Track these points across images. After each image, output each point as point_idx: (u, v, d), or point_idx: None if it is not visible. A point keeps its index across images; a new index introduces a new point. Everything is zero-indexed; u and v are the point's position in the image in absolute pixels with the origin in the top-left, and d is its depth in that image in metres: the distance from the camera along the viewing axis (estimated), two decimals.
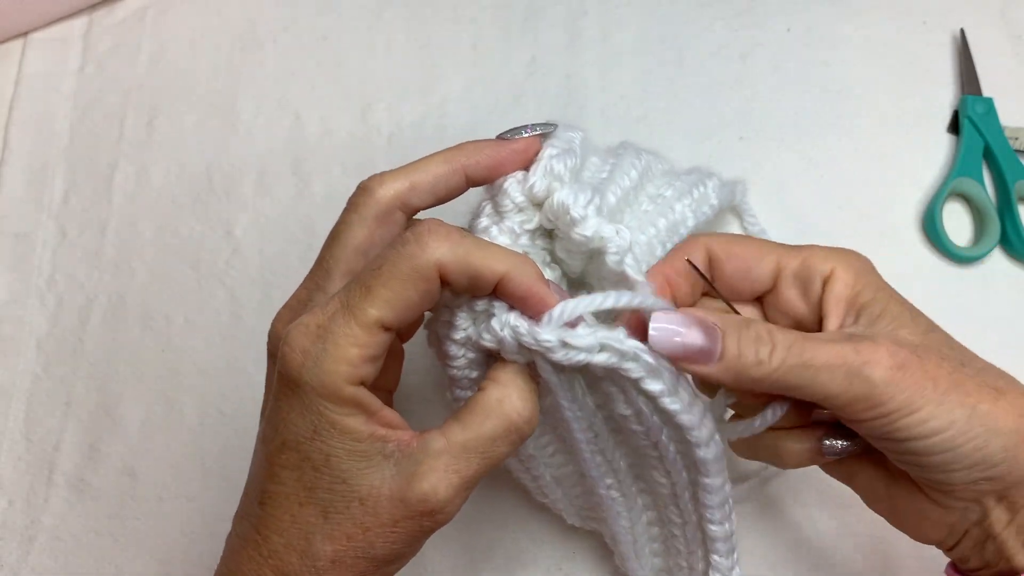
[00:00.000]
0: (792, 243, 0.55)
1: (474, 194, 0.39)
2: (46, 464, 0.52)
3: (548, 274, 0.37)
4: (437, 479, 0.31)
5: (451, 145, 0.37)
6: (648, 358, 0.33)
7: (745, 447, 0.39)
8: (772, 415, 0.36)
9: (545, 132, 0.38)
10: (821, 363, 0.33)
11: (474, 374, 0.36)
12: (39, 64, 0.63)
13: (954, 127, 0.58)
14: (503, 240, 0.35)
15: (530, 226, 0.36)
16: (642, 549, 0.44)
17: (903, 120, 0.59)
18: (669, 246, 0.40)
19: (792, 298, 0.37)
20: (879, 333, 0.34)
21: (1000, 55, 0.60)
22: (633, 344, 0.33)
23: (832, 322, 0.35)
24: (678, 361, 0.34)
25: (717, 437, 0.36)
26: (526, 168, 0.37)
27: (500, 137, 0.38)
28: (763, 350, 0.33)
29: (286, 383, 0.31)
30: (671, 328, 0.33)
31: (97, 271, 0.57)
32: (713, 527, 0.39)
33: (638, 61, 0.61)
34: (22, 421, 0.53)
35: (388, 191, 0.35)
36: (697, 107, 0.60)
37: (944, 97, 0.59)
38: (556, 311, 0.32)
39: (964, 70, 0.59)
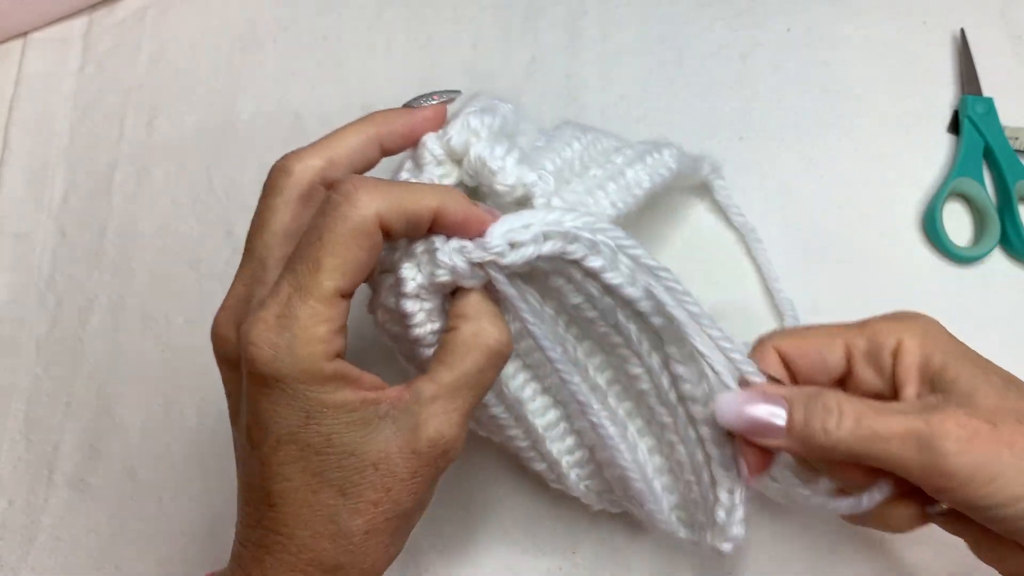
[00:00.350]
0: (792, 244, 0.56)
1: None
2: (46, 464, 0.52)
3: None
4: (440, 422, 0.32)
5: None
6: (587, 235, 0.33)
7: (853, 519, 0.39)
8: (879, 493, 0.36)
9: (450, 99, 0.39)
10: (891, 433, 0.33)
11: (436, 325, 0.36)
12: (39, 64, 0.63)
13: (954, 127, 0.58)
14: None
15: (450, 180, 0.36)
16: (652, 482, 0.42)
17: (903, 120, 0.59)
18: (622, 207, 0.40)
19: (868, 378, 0.37)
20: (951, 402, 0.34)
21: (1000, 55, 0.60)
22: (571, 223, 0.33)
23: (908, 393, 0.35)
24: (748, 435, 0.35)
25: (667, 307, 0.35)
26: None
27: (407, 105, 0.39)
28: (831, 420, 0.33)
29: (262, 381, 0.31)
30: (736, 402, 0.35)
31: (97, 271, 0.57)
32: (697, 407, 0.38)
33: (638, 61, 0.61)
34: (22, 421, 0.53)
35: (307, 169, 0.35)
36: (697, 107, 0.60)
37: (944, 97, 0.59)
38: (497, 226, 0.33)
39: (964, 70, 0.59)
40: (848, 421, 0.33)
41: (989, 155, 0.56)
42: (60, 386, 0.54)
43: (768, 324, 0.53)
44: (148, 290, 0.56)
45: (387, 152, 0.38)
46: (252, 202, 0.58)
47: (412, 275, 0.34)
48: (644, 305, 0.35)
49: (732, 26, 0.62)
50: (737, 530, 0.38)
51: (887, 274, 0.54)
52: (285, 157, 0.35)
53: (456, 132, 0.36)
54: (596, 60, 0.61)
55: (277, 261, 0.34)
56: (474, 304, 0.34)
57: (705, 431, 0.38)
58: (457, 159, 0.36)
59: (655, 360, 0.38)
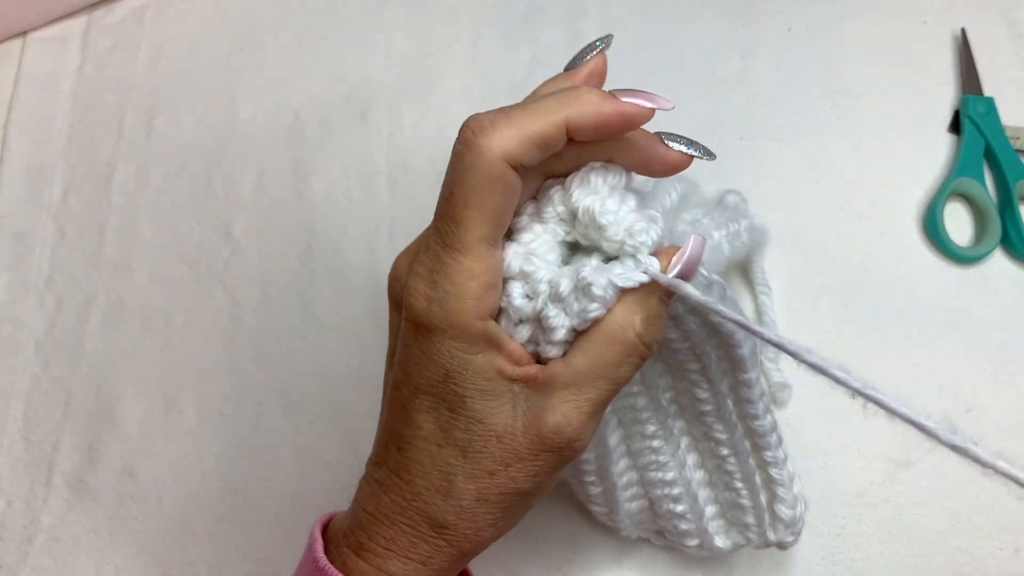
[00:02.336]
0: (792, 244, 0.56)
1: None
2: (45, 464, 0.52)
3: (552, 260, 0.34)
4: (568, 409, 0.31)
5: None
6: (704, 272, 0.33)
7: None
8: None
9: (605, 46, 0.37)
10: None
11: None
12: (38, 64, 0.63)
13: (955, 127, 0.58)
14: (546, 238, 0.33)
15: (569, 238, 0.34)
16: (695, 495, 0.44)
17: (904, 120, 0.59)
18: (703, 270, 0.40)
19: None
20: None
21: (1001, 54, 0.60)
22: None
23: None
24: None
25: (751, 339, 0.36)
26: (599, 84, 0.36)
27: (567, 69, 0.37)
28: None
29: (416, 328, 0.32)
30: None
31: (96, 271, 0.57)
32: (759, 422, 0.40)
33: (638, 61, 0.61)
34: (21, 421, 0.53)
35: (497, 155, 0.31)
36: (697, 107, 0.60)
37: (945, 97, 0.59)
38: (649, 260, 0.32)
39: (965, 69, 0.59)
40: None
41: (990, 155, 0.56)
42: (59, 386, 0.54)
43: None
44: (148, 290, 0.56)
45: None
46: (252, 202, 0.59)
47: (561, 322, 0.32)
48: (738, 338, 0.36)
49: (732, 26, 0.62)
50: (801, 523, 0.40)
51: (888, 274, 0.54)
52: (479, 126, 0.32)
53: (578, 189, 0.33)
54: None
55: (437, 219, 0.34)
56: (636, 295, 0.32)
57: (762, 440, 0.40)
58: (573, 212, 0.33)
59: (725, 384, 0.39)
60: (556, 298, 0.31)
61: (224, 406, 0.53)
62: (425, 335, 0.31)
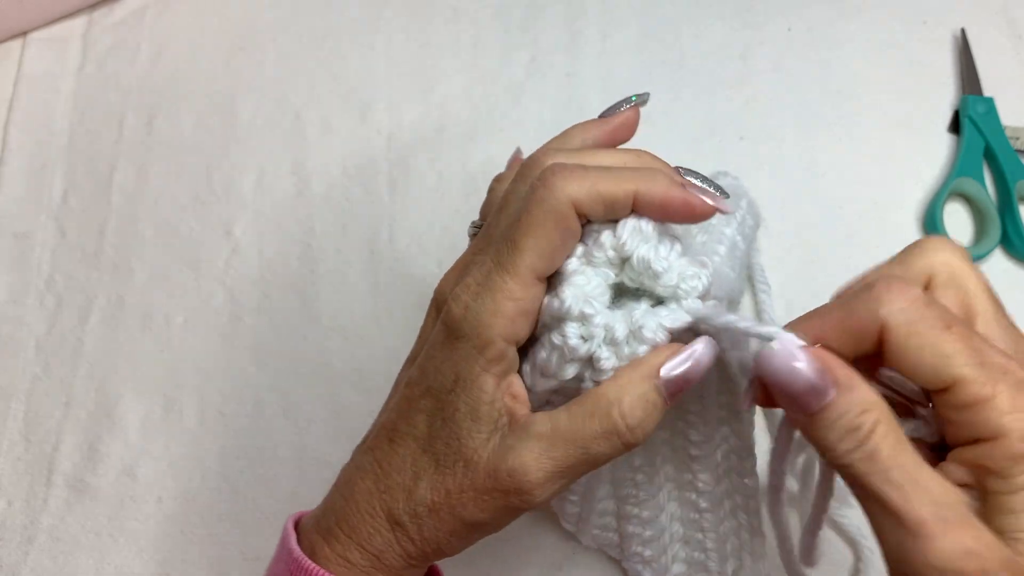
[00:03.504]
0: (793, 244, 0.56)
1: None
2: (45, 464, 0.52)
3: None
4: (529, 459, 0.32)
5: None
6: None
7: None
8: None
9: (641, 102, 0.38)
10: (906, 511, 0.27)
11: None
12: (38, 64, 0.63)
13: (955, 127, 0.58)
14: (598, 281, 0.33)
15: (613, 281, 0.34)
16: (666, 547, 0.44)
17: (904, 120, 0.59)
18: (729, 271, 0.40)
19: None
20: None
21: (1001, 55, 0.60)
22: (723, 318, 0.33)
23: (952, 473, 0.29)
24: (777, 387, 0.30)
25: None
26: (627, 139, 0.38)
27: (602, 116, 0.39)
28: (857, 437, 0.29)
29: (447, 331, 0.33)
30: (792, 352, 0.30)
31: (96, 271, 0.57)
32: (746, 480, 0.40)
33: (638, 61, 0.61)
34: (21, 421, 0.53)
35: (567, 198, 0.33)
36: (697, 107, 0.60)
37: (945, 97, 0.59)
38: (693, 303, 0.33)
39: (965, 70, 0.59)
40: (882, 455, 0.28)
41: (990, 155, 0.56)
42: (59, 386, 0.54)
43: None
44: (148, 290, 0.56)
45: None
46: (252, 202, 0.59)
47: (613, 364, 0.32)
48: (743, 383, 0.36)
49: (732, 26, 0.62)
50: None
51: None
52: (542, 150, 0.35)
53: (629, 235, 0.33)
54: (596, 60, 0.61)
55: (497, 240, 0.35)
56: (633, 374, 0.32)
57: (744, 501, 0.41)
58: (625, 258, 0.33)
59: (720, 433, 0.39)
60: (611, 342, 0.32)
61: (224, 406, 0.53)
62: (452, 339, 0.33)
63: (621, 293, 0.34)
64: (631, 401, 0.32)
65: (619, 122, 0.38)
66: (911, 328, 0.28)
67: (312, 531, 0.36)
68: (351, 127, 0.60)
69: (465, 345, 0.32)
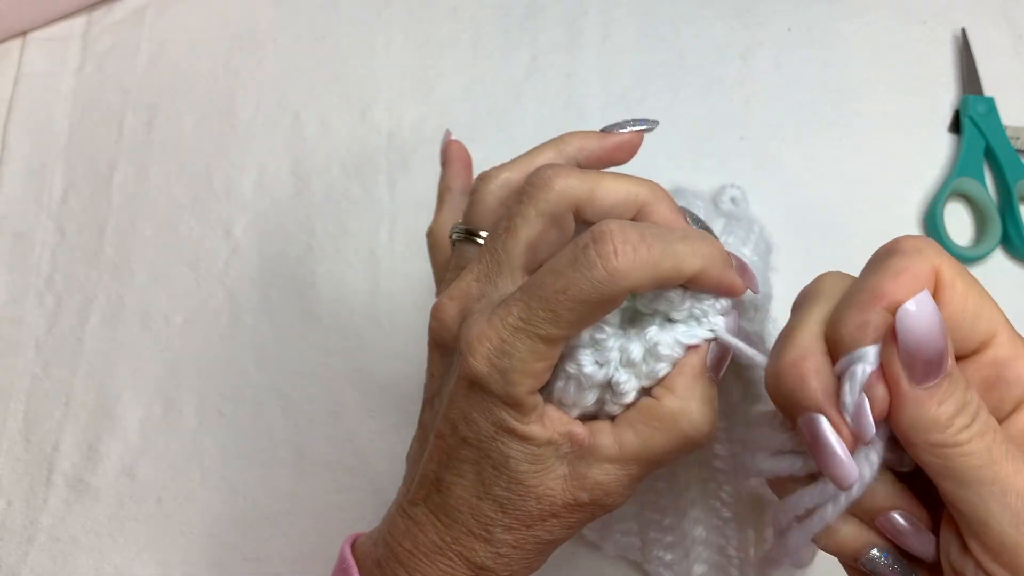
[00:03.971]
0: (793, 245, 0.55)
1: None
2: (45, 464, 0.52)
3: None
4: (608, 481, 0.32)
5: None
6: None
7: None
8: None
9: (647, 129, 0.37)
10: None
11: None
12: (38, 63, 0.63)
13: (955, 127, 0.58)
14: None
15: (623, 305, 0.34)
16: (685, 553, 0.44)
17: (904, 120, 0.59)
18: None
19: None
20: None
21: (1001, 54, 0.60)
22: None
23: None
24: (916, 350, 0.27)
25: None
26: (626, 161, 0.37)
27: (603, 131, 0.37)
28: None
29: (470, 386, 0.31)
30: (931, 312, 0.27)
31: (96, 271, 0.57)
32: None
33: (638, 61, 0.61)
34: (21, 421, 0.53)
35: (568, 190, 0.32)
36: (697, 107, 0.60)
37: (945, 97, 0.59)
38: (723, 319, 0.32)
39: (965, 69, 0.59)
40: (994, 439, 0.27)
41: (990, 155, 0.56)
42: (59, 386, 0.54)
43: None
44: (147, 290, 0.56)
45: None
46: (252, 202, 0.59)
47: (632, 385, 0.32)
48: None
49: (732, 26, 0.62)
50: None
51: None
52: (550, 170, 0.33)
53: None
54: (596, 60, 0.61)
55: (513, 269, 0.33)
56: (687, 380, 0.32)
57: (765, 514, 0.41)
58: None
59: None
60: (628, 363, 0.31)
61: (224, 406, 0.53)
62: (479, 395, 0.31)
63: (634, 317, 0.33)
64: (697, 407, 0.32)
65: (619, 142, 0.37)
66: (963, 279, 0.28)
67: (377, 574, 0.35)
68: (351, 127, 0.60)
69: (493, 399, 0.31)
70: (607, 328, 0.31)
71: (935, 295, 0.28)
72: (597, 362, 0.31)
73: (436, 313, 0.34)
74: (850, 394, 0.27)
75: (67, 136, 0.61)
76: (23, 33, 0.64)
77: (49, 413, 0.53)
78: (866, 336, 0.28)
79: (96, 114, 0.61)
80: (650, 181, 0.34)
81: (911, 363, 0.27)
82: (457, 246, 0.38)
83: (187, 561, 0.50)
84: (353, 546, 0.37)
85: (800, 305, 0.31)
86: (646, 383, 0.32)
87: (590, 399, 0.32)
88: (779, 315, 0.52)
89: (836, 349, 0.28)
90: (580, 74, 0.61)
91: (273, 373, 0.54)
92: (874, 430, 0.27)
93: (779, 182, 0.57)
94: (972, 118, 0.57)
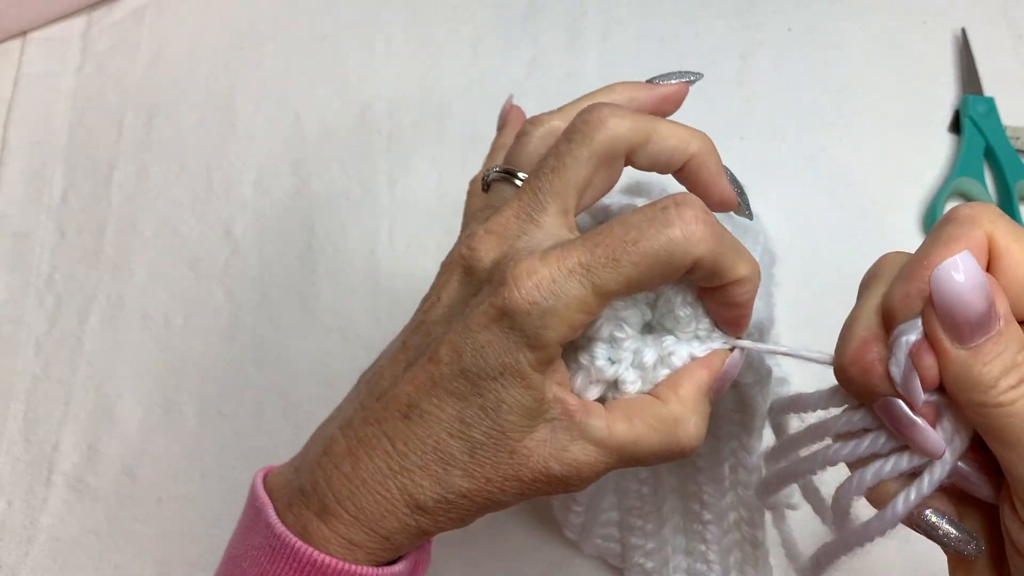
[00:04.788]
0: (793, 245, 0.56)
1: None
2: (45, 464, 0.52)
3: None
4: (584, 462, 0.31)
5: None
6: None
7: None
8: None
9: (692, 80, 0.37)
10: None
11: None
12: (38, 63, 0.63)
13: (955, 127, 0.58)
14: (634, 311, 0.33)
15: (648, 318, 0.34)
16: (665, 560, 0.44)
17: (904, 120, 0.59)
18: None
19: None
20: None
21: (1001, 54, 0.60)
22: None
23: None
24: (955, 311, 0.27)
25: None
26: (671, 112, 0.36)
27: (650, 81, 0.37)
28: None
29: (500, 318, 0.30)
30: (975, 272, 0.27)
31: (96, 271, 0.57)
32: (751, 492, 0.40)
33: (638, 61, 0.61)
34: (21, 421, 0.53)
35: (621, 129, 0.32)
36: (697, 107, 0.60)
37: (945, 96, 0.59)
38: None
39: (965, 69, 0.59)
40: None
41: (990, 155, 0.56)
42: (59, 386, 0.54)
43: None
44: (147, 290, 0.56)
45: None
46: (252, 202, 0.59)
47: (637, 388, 0.32)
48: (759, 405, 0.36)
49: (732, 25, 0.62)
50: None
51: None
52: (607, 109, 0.32)
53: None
54: (596, 60, 0.61)
55: (557, 210, 0.32)
56: (695, 392, 0.32)
57: (748, 515, 0.41)
58: (658, 296, 0.33)
59: (729, 446, 0.40)
60: (639, 366, 0.32)
61: (224, 406, 0.53)
62: (505, 329, 0.30)
63: (647, 327, 0.34)
64: (696, 421, 0.32)
65: (669, 92, 0.37)
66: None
67: (299, 504, 0.33)
68: (351, 127, 0.60)
69: (518, 338, 0.30)
70: (627, 328, 0.32)
71: (991, 262, 0.28)
72: (610, 359, 0.31)
73: (471, 242, 0.32)
74: (896, 366, 0.27)
75: (67, 136, 0.61)
76: (23, 33, 0.64)
77: (49, 413, 0.53)
78: (911, 307, 0.28)
79: (96, 114, 0.61)
80: (701, 133, 0.33)
81: (951, 324, 0.27)
82: (493, 186, 0.36)
83: (187, 561, 0.50)
84: (266, 480, 0.35)
85: (861, 290, 0.31)
86: (647, 388, 0.32)
87: (593, 394, 0.32)
88: (779, 314, 0.52)
89: (890, 325, 0.28)
90: (580, 74, 0.61)
91: (273, 373, 0.54)
92: (923, 398, 0.27)
93: (779, 182, 0.57)
94: (972, 118, 0.57)
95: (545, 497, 0.48)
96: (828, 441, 0.31)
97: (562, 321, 0.29)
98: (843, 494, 0.30)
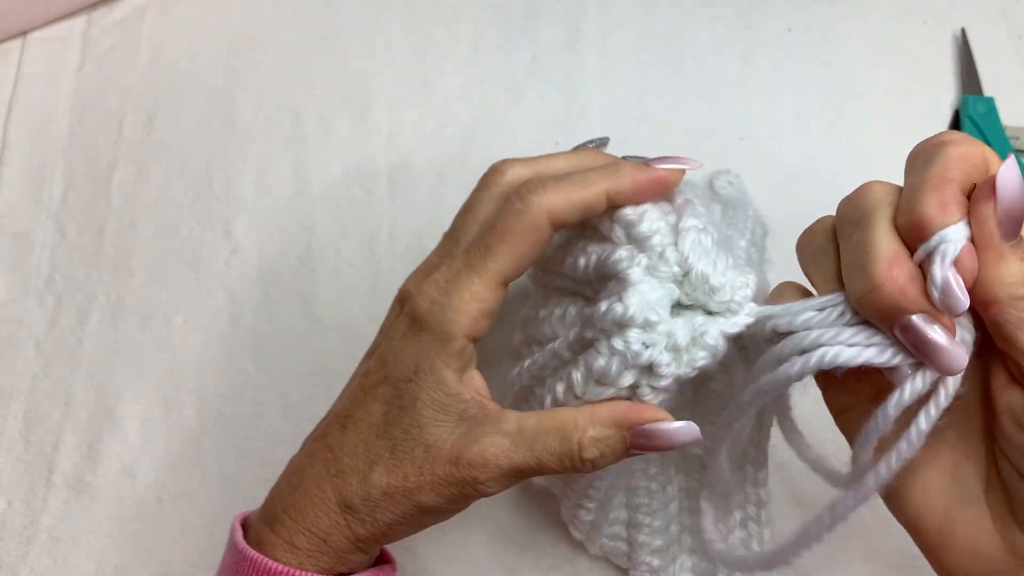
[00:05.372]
0: (790, 244, 0.55)
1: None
2: (45, 464, 0.52)
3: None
4: (491, 455, 0.33)
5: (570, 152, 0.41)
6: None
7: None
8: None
9: (691, 167, 0.37)
10: None
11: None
12: (38, 64, 0.63)
13: (955, 127, 0.58)
14: (662, 293, 0.33)
15: (676, 296, 0.34)
16: (673, 558, 0.44)
17: (904, 120, 0.59)
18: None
19: None
20: None
21: (1001, 54, 0.60)
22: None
23: None
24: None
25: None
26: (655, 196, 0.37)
27: (642, 160, 0.38)
28: None
29: (411, 322, 0.36)
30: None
31: (96, 271, 0.57)
32: (759, 489, 0.41)
33: (638, 61, 0.61)
34: (21, 421, 0.53)
35: (516, 175, 0.38)
36: (697, 107, 0.60)
37: (945, 97, 0.59)
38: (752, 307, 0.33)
39: (965, 70, 0.59)
40: None
41: None
42: (59, 386, 0.54)
43: None
44: (147, 290, 0.56)
45: (613, 205, 0.36)
46: (252, 202, 0.59)
47: (672, 371, 0.33)
48: (786, 401, 0.36)
49: (732, 26, 0.62)
50: None
51: None
52: (503, 161, 0.38)
53: (691, 249, 0.34)
54: (596, 59, 0.61)
55: (468, 244, 0.37)
56: (606, 415, 0.33)
57: (754, 511, 0.42)
58: (687, 272, 0.34)
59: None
60: (673, 348, 0.32)
61: (224, 406, 0.53)
62: (416, 331, 0.35)
63: (674, 307, 0.34)
64: (593, 438, 0.33)
65: (658, 176, 0.37)
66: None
67: (259, 522, 0.37)
68: (351, 127, 0.60)
69: (427, 337, 0.35)
70: (660, 311, 0.32)
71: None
72: (644, 343, 0.32)
73: (403, 286, 0.38)
74: (941, 272, 0.27)
75: (67, 136, 0.61)
76: (23, 33, 0.64)
77: (49, 413, 0.53)
78: (950, 214, 0.28)
79: (96, 114, 0.61)
80: (605, 170, 0.36)
81: (1007, 220, 0.28)
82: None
83: (187, 561, 0.50)
84: (248, 518, 0.39)
85: (860, 219, 0.31)
86: (684, 371, 0.32)
87: (628, 379, 0.33)
88: None
89: (915, 238, 0.29)
90: (580, 74, 0.61)
91: (273, 373, 0.54)
92: (968, 302, 0.28)
93: (779, 182, 0.57)
94: (972, 118, 0.57)
95: (552, 497, 0.48)
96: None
97: (459, 312, 0.34)
98: (867, 435, 0.30)
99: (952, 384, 0.29)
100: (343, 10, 0.64)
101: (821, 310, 0.31)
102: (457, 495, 0.34)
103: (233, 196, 0.58)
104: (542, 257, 0.38)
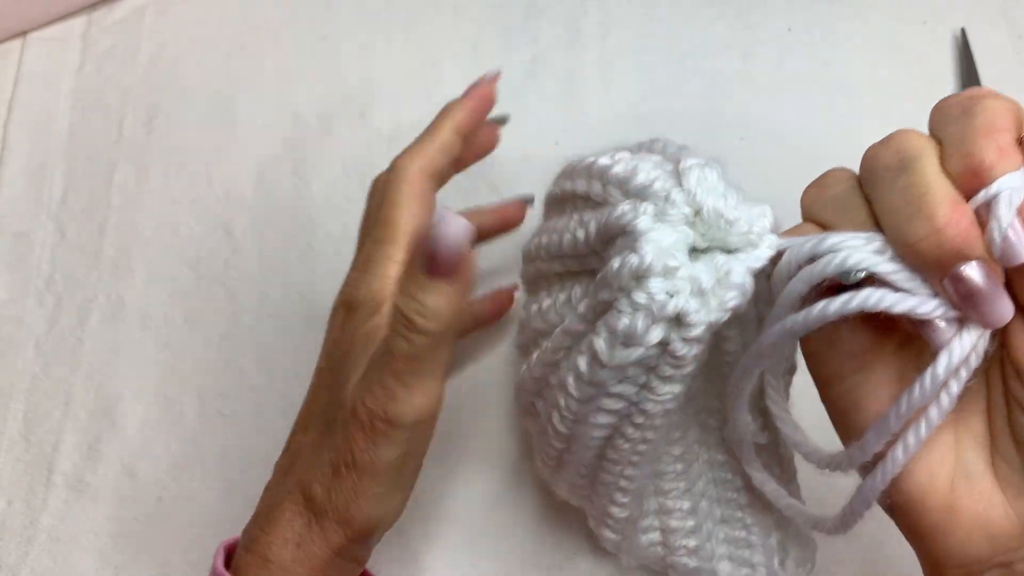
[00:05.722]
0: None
1: None
2: (45, 464, 0.52)
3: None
4: (394, 386, 0.33)
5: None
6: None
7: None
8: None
9: (491, 76, 0.44)
10: None
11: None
12: (38, 64, 0.63)
13: None
14: (677, 237, 0.31)
15: (690, 240, 0.32)
16: (708, 535, 0.43)
17: (904, 120, 0.58)
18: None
19: None
20: None
21: (1001, 55, 0.60)
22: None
23: None
24: None
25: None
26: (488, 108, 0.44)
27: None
28: None
29: (347, 310, 0.38)
30: None
31: (96, 271, 0.57)
32: (780, 450, 0.40)
33: (638, 60, 0.61)
34: (21, 421, 0.53)
35: (414, 168, 0.41)
36: (697, 107, 0.60)
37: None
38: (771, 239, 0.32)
39: (965, 70, 0.59)
40: None
41: None
42: (59, 386, 0.54)
43: None
44: (147, 290, 0.56)
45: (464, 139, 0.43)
46: (252, 202, 0.59)
47: (702, 318, 0.30)
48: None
49: (732, 26, 0.62)
50: (811, 564, 0.43)
51: None
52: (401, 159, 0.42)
53: (697, 186, 0.32)
54: (596, 59, 0.61)
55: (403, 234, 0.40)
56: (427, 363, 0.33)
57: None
58: (697, 211, 0.32)
59: (758, 423, 0.39)
60: (699, 293, 0.30)
61: (224, 406, 0.53)
62: (351, 314, 0.37)
63: (691, 254, 0.32)
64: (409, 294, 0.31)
65: (481, 91, 0.45)
66: None
67: (240, 546, 0.36)
68: (351, 127, 0.60)
69: (362, 312, 0.36)
70: (679, 256, 0.30)
71: None
72: (667, 292, 0.30)
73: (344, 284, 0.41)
74: (1008, 218, 0.26)
75: (67, 136, 0.61)
76: (23, 33, 0.64)
77: (49, 413, 0.53)
78: (1009, 160, 0.27)
79: (96, 114, 0.61)
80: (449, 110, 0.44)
81: None
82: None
83: (187, 561, 0.50)
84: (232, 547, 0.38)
85: (904, 163, 0.30)
86: (716, 316, 0.30)
87: (656, 335, 0.30)
88: None
89: (970, 185, 0.27)
90: (580, 74, 0.61)
91: (273, 373, 0.54)
92: None
93: (779, 183, 0.57)
94: None
95: (553, 498, 0.48)
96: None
97: (383, 278, 0.37)
98: (901, 407, 0.28)
99: (983, 343, 0.28)
100: (343, 10, 0.64)
101: (868, 242, 0.29)
102: (406, 439, 0.33)
103: (233, 196, 0.58)
104: (536, 248, 0.37)
